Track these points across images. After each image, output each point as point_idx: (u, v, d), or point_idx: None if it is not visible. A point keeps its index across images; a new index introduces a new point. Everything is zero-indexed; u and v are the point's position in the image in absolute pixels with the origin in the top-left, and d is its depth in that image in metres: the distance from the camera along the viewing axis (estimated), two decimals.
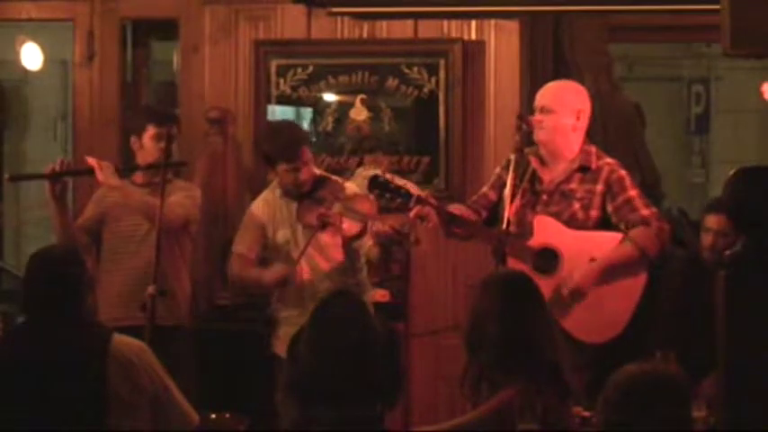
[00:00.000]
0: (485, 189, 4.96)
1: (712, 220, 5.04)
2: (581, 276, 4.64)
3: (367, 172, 5.76)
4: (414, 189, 4.90)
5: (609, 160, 4.84)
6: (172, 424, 3.74)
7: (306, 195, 4.97)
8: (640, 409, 2.81)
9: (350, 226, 4.88)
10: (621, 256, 4.68)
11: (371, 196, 4.87)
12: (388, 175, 4.90)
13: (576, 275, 4.64)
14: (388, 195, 4.73)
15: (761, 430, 3.18)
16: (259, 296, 5.26)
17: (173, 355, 5.05)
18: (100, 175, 4.95)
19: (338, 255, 5.00)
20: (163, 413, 3.72)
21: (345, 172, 5.85)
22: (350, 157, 6.00)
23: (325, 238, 4.97)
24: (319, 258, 5.00)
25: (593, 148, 4.86)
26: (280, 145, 4.98)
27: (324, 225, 4.88)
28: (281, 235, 5.03)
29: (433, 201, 4.77)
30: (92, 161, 4.97)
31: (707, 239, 5.04)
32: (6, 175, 4.93)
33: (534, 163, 4.79)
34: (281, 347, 5.08)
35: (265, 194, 5.14)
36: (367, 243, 4.94)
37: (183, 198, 5.10)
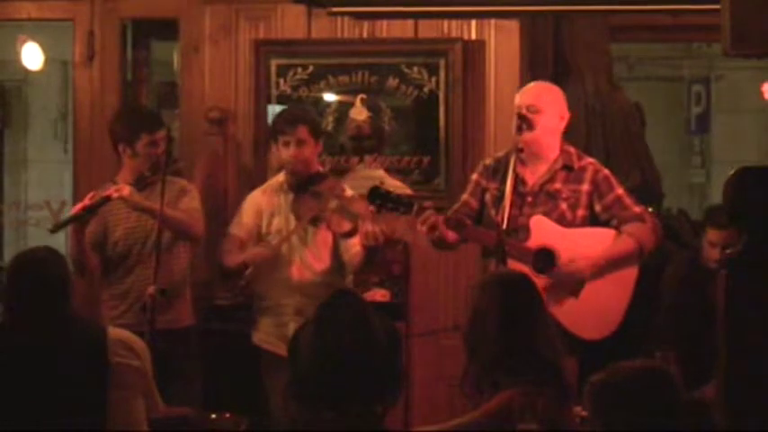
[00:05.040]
0: (465, 197, 4.94)
1: (715, 235, 5.02)
2: (584, 265, 4.64)
3: (367, 171, 5.77)
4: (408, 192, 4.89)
5: (590, 160, 4.88)
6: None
7: (304, 188, 5.01)
8: (632, 405, 2.83)
9: (341, 223, 4.92)
10: (623, 249, 4.70)
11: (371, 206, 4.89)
12: (394, 181, 4.88)
13: (579, 264, 4.64)
14: (390, 206, 4.70)
15: (761, 431, 3.18)
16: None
17: (185, 357, 5.10)
18: (126, 190, 4.94)
19: (328, 254, 5.08)
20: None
21: (346, 172, 5.85)
22: (350, 157, 6.00)
23: (318, 235, 5.03)
24: (309, 254, 5.08)
25: (573, 149, 4.87)
26: (279, 116, 5.21)
27: (315, 220, 4.94)
28: (276, 223, 5.12)
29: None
30: (110, 192, 4.96)
31: (713, 253, 5.02)
32: (49, 227, 5.16)
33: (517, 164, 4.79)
34: (260, 337, 5.13)
35: (270, 182, 5.27)
36: (354, 248, 4.96)
37: (192, 201, 5.15)
